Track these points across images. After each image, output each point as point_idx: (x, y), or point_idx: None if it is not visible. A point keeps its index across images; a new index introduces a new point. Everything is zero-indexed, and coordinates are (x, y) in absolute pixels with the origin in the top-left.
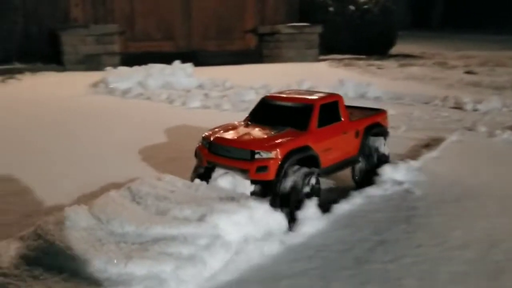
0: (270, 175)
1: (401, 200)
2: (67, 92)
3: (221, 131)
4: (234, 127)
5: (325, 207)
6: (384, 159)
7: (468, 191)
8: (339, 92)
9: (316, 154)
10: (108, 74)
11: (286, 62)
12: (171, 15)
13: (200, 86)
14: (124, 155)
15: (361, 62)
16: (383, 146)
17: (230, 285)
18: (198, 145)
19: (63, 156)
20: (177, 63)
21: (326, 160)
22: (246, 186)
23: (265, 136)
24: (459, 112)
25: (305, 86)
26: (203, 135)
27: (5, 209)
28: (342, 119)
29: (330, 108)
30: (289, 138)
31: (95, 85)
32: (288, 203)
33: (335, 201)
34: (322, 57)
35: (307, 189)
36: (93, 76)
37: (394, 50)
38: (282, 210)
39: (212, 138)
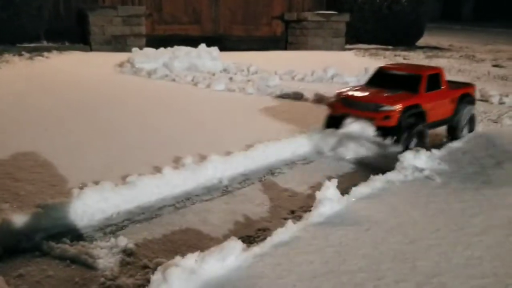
0: (392, 122)
1: (421, 186)
2: (93, 71)
3: (350, 91)
4: (359, 89)
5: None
6: (472, 124)
7: (489, 181)
8: (364, 80)
9: (424, 111)
10: (134, 54)
11: (312, 50)
12: None
13: (225, 70)
14: (144, 132)
15: (387, 53)
16: (472, 112)
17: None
18: (331, 101)
19: (87, 133)
20: (202, 46)
21: (430, 117)
22: (371, 130)
23: (388, 95)
24: (485, 105)
25: (330, 73)
26: (337, 92)
27: (31, 178)
28: (443, 87)
29: (434, 78)
30: (405, 98)
31: (121, 65)
32: (403, 142)
33: (355, 184)
34: (348, 46)
35: (416, 134)
36: (119, 56)
37: (422, 41)
38: (400, 144)
39: (345, 95)
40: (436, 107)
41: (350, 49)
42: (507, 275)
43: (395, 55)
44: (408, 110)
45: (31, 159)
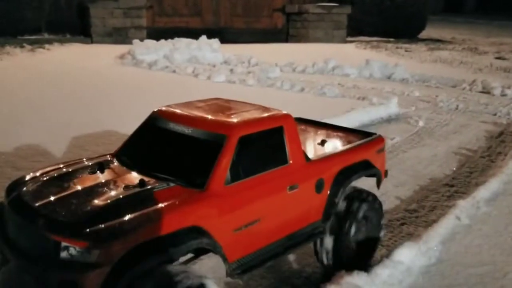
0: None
1: None
2: (94, 63)
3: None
4: (68, 175)
5: None
6: (374, 234)
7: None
8: (365, 72)
9: (214, 244)
10: (135, 46)
11: (313, 43)
12: None
13: (226, 62)
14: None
15: (389, 45)
16: (375, 207)
17: None
18: None
19: (88, 123)
20: (203, 38)
21: (245, 245)
22: None
23: (97, 207)
24: (487, 97)
25: (331, 65)
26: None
27: (31, 167)
28: (290, 161)
29: (266, 141)
30: (150, 211)
31: (122, 57)
32: None
33: None
34: (349, 38)
35: None
36: (120, 48)
37: (424, 34)
38: None
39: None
40: (266, 214)
41: (351, 42)
42: (506, 263)
43: (397, 47)
44: (146, 258)
45: (32, 148)
